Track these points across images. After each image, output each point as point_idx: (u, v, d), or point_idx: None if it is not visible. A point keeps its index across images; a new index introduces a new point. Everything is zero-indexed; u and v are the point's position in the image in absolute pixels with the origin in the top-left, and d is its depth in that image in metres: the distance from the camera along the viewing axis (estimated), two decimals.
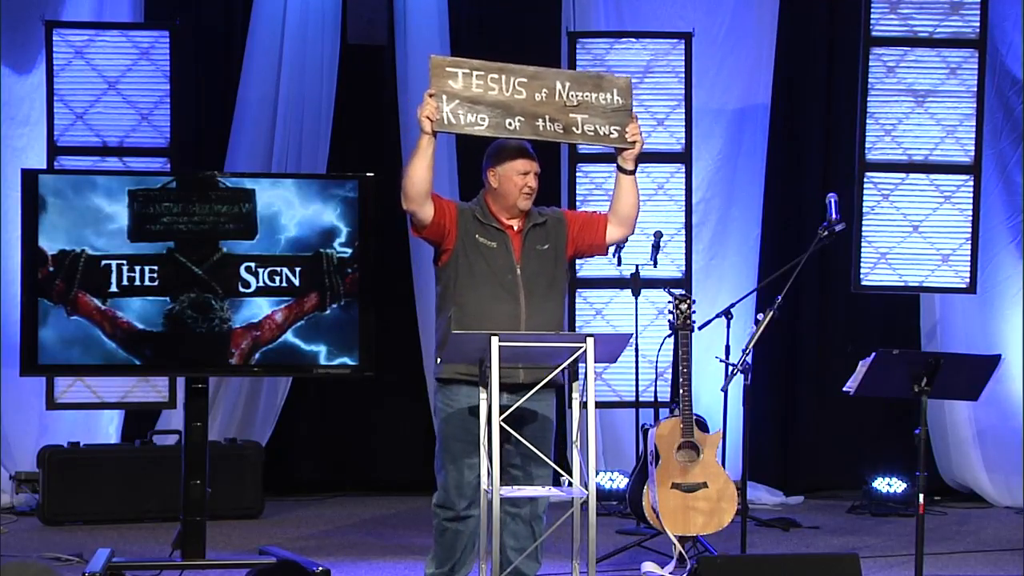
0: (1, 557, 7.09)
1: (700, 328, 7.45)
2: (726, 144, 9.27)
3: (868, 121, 8.70)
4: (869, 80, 8.70)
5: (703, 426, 7.19)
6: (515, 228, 5.91)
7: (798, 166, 9.58)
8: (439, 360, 5.85)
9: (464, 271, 5.86)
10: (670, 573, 6.93)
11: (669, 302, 7.22)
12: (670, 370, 8.31)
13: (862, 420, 9.31)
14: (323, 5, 9.11)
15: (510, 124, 5.78)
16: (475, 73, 5.78)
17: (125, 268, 6.41)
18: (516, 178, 5.86)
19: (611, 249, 6.22)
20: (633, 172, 5.98)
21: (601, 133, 5.88)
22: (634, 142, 5.91)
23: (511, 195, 5.88)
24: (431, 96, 5.72)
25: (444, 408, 5.93)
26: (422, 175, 5.77)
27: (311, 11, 9.10)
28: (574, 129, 5.86)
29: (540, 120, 5.81)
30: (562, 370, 5.58)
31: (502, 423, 5.43)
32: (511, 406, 5.55)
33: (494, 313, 5.78)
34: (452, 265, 5.88)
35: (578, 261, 8.67)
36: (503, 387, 5.63)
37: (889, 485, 8.88)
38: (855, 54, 8.83)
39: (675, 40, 8.80)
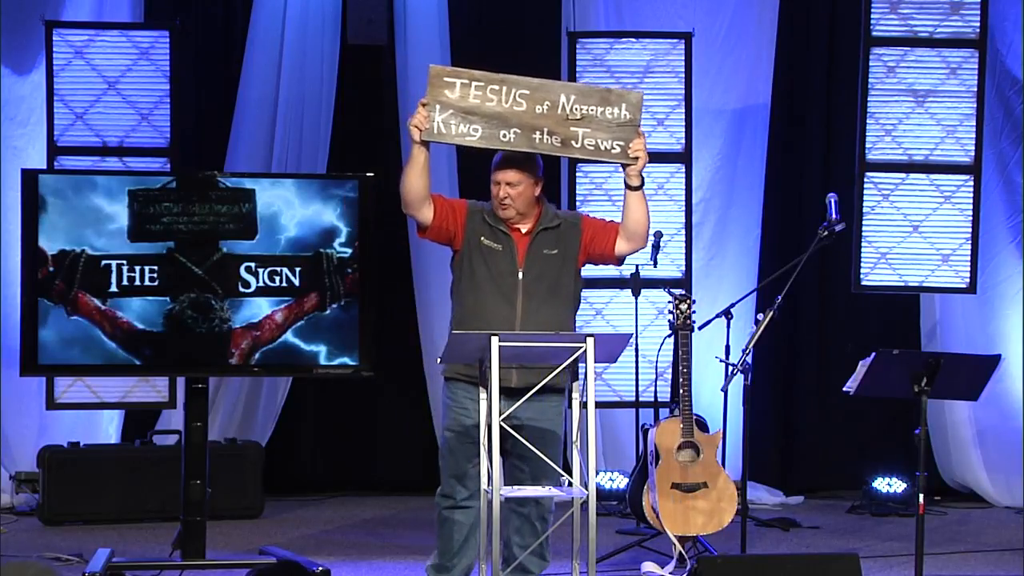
0: (1, 557, 7.09)
1: (700, 328, 7.45)
2: (726, 144, 9.26)
3: (868, 121, 8.69)
4: (869, 80, 8.69)
5: (703, 426, 7.19)
6: (523, 231, 5.93)
7: (798, 166, 9.57)
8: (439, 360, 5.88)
9: (467, 272, 5.94)
10: (670, 573, 6.93)
11: (669, 302, 7.22)
12: (670, 370, 8.30)
13: (862, 420, 9.31)
14: (323, 5, 9.11)
15: (504, 136, 5.78)
16: (474, 84, 5.77)
17: (125, 268, 6.41)
18: (493, 188, 5.92)
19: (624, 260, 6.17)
20: (638, 188, 5.91)
21: (602, 148, 5.83)
22: (636, 158, 5.86)
23: (494, 204, 5.93)
24: (423, 105, 5.76)
25: (446, 403, 6.04)
26: (414, 182, 5.86)
27: (311, 11, 9.09)
28: (573, 143, 5.82)
29: (537, 133, 5.79)
30: (559, 372, 5.58)
31: (502, 424, 5.44)
32: (509, 410, 5.58)
33: (489, 315, 5.84)
34: (459, 265, 5.99)
35: None
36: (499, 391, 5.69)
37: (889, 485, 8.88)
38: (855, 54, 8.83)
39: (675, 40, 8.80)
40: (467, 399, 5.92)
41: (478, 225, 5.94)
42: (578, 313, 8.64)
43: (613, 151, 5.84)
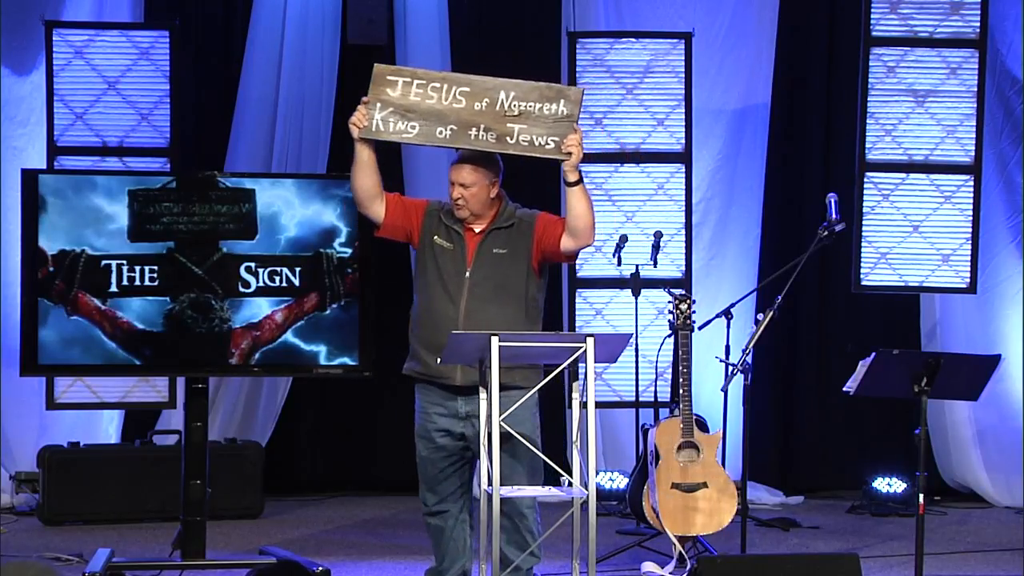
0: (1, 557, 7.09)
1: (700, 328, 7.45)
2: (726, 144, 9.26)
3: (868, 121, 8.69)
4: (869, 80, 8.69)
5: (703, 426, 7.19)
6: (476, 230, 5.94)
7: (798, 166, 9.57)
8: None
9: (420, 271, 6.01)
10: (670, 573, 6.93)
11: (669, 302, 7.22)
12: (670, 370, 8.31)
13: (862, 420, 9.31)
14: (323, 5, 9.11)
15: (440, 133, 5.83)
16: (416, 82, 5.84)
17: (125, 268, 6.41)
18: (449, 188, 5.95)
19: (578, 255, 6.15)
20: (575, 184, 5.87)
21: (536, 144, 5.83)
22: (569, 153, 5.83)
23: (450, 203, 5.95)
24: (364, 104, 5.83)
25: (416, 407, 6.11)
26: (360, 180, 5.94)
27: (311, 11, 9.09)
28: (508, 139, 5.83)
29: (473, 129, 5.83)
30: (517, 370, 5.63)
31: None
32: (453, 410, 5.73)
33: (436, 315, 5.89)
34: (417, 264, 6.06)
35: (578, 262, 8.69)
36: (447, 388, 5.79)
37: (889, 485, 8.88)
38: (855, 54, 8.83)
39: (675, 40, 8.80)
40: (428, 403, 5.98)
41: (433, 224, 5.98)
42: (578, 313, 8.76)
43: (547, 147, 5.84)
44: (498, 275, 5.91)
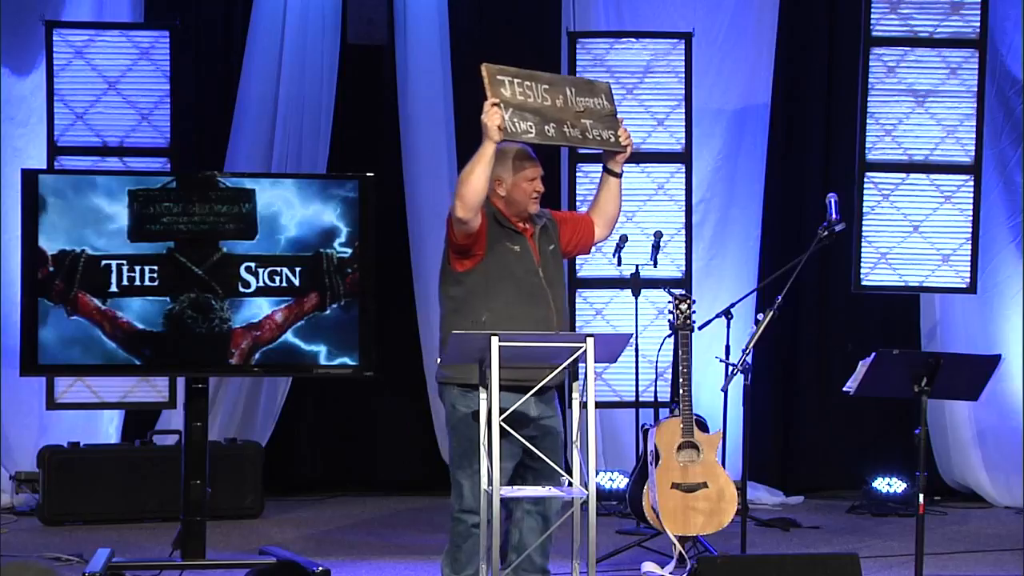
0: (1, 557, 7.10)
1: (700, 328, 7.45)
2: (726, 144, 9.27)
3: (868, 121, 8.70)
4: (869, 80, 8.70)
5: (703, 426, 7.20)
6: (528, 231, 5.93)
7: (798, 166, 9.58)
8: (439, 361, 5.85)
9: (494, 275, 5.81)
10: (670, 573, 6.93)
11: (669, 302, 7.22)
12: (670, 370, 8.31)
13: (862, 420, 9.32)
14: (323, 5, 9.11)
15: (548, 130, 5.77)
16: (515, 81, 5.74)
17: (125, 268, 6.41)
18: (525, 185, 5.85)
19: (592, 250, 6.24)
20: (619, 176, 6.02)
21: (604, 138, 5.91)
22: (626, 146, 5.94)
23: (522, 201, 5.86)
24: (494, 105, 5.62)
25: (463, 411, 5.83)
26: (483, 184, 5.66)
27: (311, 11, 9.10)
28: (587, 134, 5.88)
29: (565, 126, 5.82)
30: (563, 369, 5.60)
31: (502, 423, 5.45)
32: (531, 410, 5.68)
33: (525, 316, 5.76)
34: (481, 269, 5.82)
35: (578, 261, 8.70)
36: (527, 391, 5.63)
37: (889, 485, 8.88)
38: (855, 54, 8.84)
39: (675, 40, 8.80)
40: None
41: (494, 227, 5.85)
42: (578, 313, 8.78)
43: (611, 140, 5.93)
44: (558, 272, 5.96)
